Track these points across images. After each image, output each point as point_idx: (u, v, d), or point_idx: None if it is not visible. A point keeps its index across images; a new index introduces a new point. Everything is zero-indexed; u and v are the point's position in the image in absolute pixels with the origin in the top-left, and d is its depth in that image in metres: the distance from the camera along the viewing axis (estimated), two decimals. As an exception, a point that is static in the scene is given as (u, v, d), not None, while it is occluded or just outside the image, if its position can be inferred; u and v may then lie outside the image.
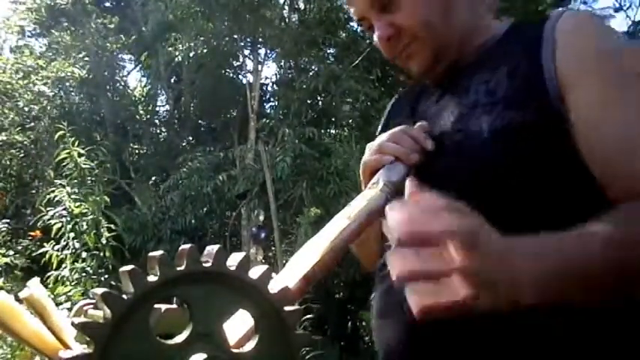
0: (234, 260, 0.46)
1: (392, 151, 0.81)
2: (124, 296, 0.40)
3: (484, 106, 0.71)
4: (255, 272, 0.47)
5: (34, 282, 0.55)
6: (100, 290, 0.40)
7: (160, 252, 0.43)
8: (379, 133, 1.00)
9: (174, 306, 0.48)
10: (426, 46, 0.83)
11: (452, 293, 0.44)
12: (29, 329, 0.53)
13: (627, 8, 7.15)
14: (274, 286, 0.48)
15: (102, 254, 3.71)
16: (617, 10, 7.62)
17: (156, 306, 0.44)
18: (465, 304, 0.45)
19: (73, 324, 0.51)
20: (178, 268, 0.43)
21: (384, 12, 0.84)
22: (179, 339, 0.43)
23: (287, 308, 0.47)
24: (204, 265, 0.44)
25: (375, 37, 0.87)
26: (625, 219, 0.55)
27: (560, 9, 0.84)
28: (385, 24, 0.84)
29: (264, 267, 0.48)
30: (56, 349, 0.52)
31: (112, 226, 3.83)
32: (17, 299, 0.55)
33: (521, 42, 0.77)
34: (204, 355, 0.42)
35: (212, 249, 0.45)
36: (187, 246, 0.44)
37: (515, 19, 0.91)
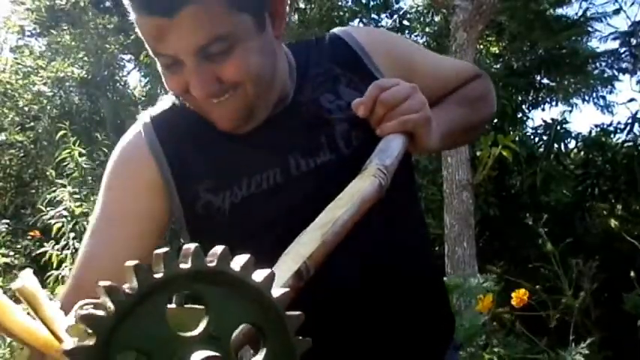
0: (259, 272, 0.45)
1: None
2: (156, 275, 0.40)
3: (349, 111, 0.80)
4: (276, 292, 0.46)
5: (27, 273, 0.54)
6: (133, 262, 0.39)
7: (194, 244, 0.42)
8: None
9: (173, 306, 0.48)
10: (247, 101, 0.76)
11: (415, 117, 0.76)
12: (18, 323, 0.52)
13: (631, 5, 7.12)
14: (276, 290, 0.47)
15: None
16: (617, 11, 7.62)
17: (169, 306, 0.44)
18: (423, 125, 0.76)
19: (77, 314, 0.50)
20: (209, 265, 0.42)
21: (207, 60, 0.72)
22: (193, 333, 0.42)
23: (289, 313, 0.47)
24: (231, 267, 0.43)
25: (171, 79, 0.74)
26: (456, 102, 0.96)
27: (340, 28, 0.94)
28: (210, 78, 0.72)
29: (267, 270, 0.47)
30: (47, 342, 0.52)
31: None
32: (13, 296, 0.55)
33: (333, 61, 0.87)
34: (211, 353, 0.42)
35: (243, 258, 0.44)
36: (221, 247, 0.43)
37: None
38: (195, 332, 0.43)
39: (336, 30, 0.93)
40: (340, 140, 0.81)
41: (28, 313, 0.53)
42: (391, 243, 0.82)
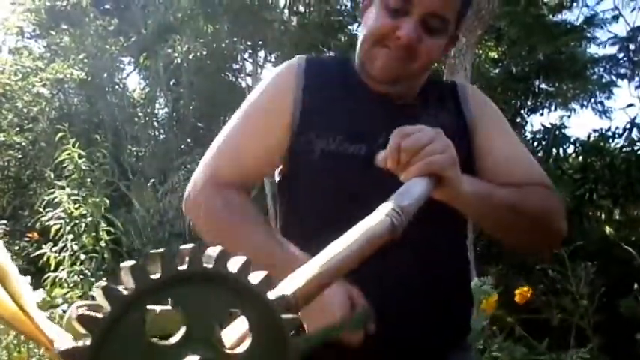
0: (235, 263, 0.45)
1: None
2: (124, 292, 0.40)
3: None
4: (255, 277, 0.46)
5: None
6: (101, 284, 0.40)
7: (161, 249, 0.42)
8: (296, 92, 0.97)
9: (169, 307, 0.48)
10: (407, 70, 0.96)
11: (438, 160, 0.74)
12: None
13: (631, 11, 7.15)
14: (274, 293, 0.47)
15: (101, 256, 3.70)
16: (615, 17, 7.65)
17: (150, 307, 0.44)
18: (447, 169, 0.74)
19: (70, 317, 0.50)
20: (180, 268, 0.42)
21: (423, 26, 0.93)
22: (173, 340, 0.43)
23: (285, 316, 0.47)
24: (205, 265, 0.44)
25: (386, 19, 0.93)
26: (512, 190, 0.94)
27: (463, 84, 1.12)
28: (417, 34, 0.92)
29: (264, 272, 0.47)
30: (14, 314, 0.52)
31: (112, 229, 3.82)
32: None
33: (444, 96, 1.05)
34: (197, 357, 0.42)
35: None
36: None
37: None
38: (177, 337, 0.43)
39: (461, 83, 1.13)
40: None
41: None
42: (420, 272, 0.90)
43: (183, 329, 0.43)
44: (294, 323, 0.47)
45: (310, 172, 0.95)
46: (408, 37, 0.91)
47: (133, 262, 0.41)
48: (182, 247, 0.43)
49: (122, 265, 0.41)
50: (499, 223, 0.94)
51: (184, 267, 0.42)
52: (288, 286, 0.53)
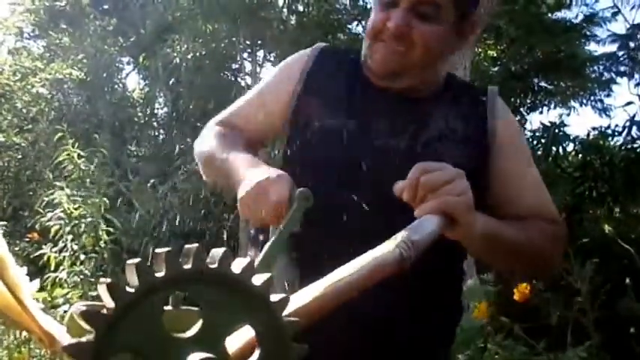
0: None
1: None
2: (129, 289, 0.40)
3: (447, 141, 0.92)
4: (258, 279, 0.46)
5: None
6: (106, 281, 0.40)
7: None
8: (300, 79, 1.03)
9: (170, 307, 0.48)
10: (406, 60, 0.96)
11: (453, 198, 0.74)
12: None
13: (631, 9, 7.13)
14: (275, 295, 0.48)
15: (100, 257, 3.71)
16: (615, 14, 7.64)
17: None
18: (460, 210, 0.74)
19: (72, 316, 0.50)
20: (185, 267, 0.42)
21: (412, 15, 0.94)
22: (187, 334, 0.43)
23: (287, 318, 0.48)
24: (209, 265, 0.44)
25: (380, 14, 0.96)
26: (520, 227, 0.95)
27: (494, 89, 1.07)
28: (406, 22, 0.93)
29: (267, 274, 0.47)
30: (9, 305, 0.52)
31: (112, 229, 3.82)
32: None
33: (467, 99, 1.04)
34: (205, 355, 0.42)
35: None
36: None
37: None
38: (190, 333, 0.43)
39: (488, 87, 1.09)
40: (419, 145, 0.96)
41: None
42: (412, 279, 0.88)
43: (197, 326, 0.43)
44: (296, 326, 0.48)
45: (308, 148, 1.00)
46: (395, 26, 0.93)
47: (137, 259, 0.41)
48: (186, 246, 0.43)
49: (127, 262, 0.41)
50: (499, 260, 0.98)
51: (189, 266, 0.42)
52: (293, 304, 0.53)
